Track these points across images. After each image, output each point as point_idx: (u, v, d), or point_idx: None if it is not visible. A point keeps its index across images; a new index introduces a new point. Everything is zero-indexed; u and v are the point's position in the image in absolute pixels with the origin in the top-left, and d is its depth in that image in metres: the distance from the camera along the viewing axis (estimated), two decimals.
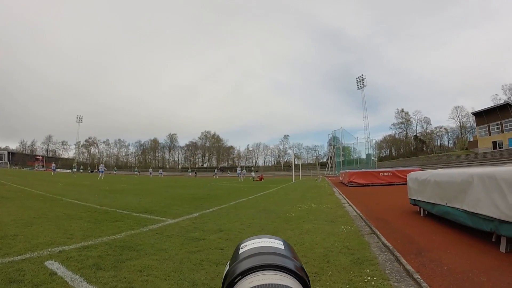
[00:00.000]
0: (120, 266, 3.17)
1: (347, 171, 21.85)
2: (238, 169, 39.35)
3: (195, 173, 62.56)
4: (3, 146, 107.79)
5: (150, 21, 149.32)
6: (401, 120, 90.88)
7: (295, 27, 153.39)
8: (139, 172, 61.19)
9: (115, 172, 62.42)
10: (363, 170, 23.87)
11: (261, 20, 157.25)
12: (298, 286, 0.31)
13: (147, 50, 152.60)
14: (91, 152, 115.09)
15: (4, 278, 2.76)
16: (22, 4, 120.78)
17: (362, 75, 72.68)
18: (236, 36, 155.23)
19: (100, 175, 30.12)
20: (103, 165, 33.34)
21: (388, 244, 4.16)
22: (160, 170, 60.26)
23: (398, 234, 4.91)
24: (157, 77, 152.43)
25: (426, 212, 6.40)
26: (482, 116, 53.83)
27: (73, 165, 41.78)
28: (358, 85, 73.09)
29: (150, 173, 54.54)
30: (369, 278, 2.95)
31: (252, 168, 48.10)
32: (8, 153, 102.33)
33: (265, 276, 0.30)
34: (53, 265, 3.14)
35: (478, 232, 4.41)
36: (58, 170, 76.32)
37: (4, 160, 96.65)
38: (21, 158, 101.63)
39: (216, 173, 49.04)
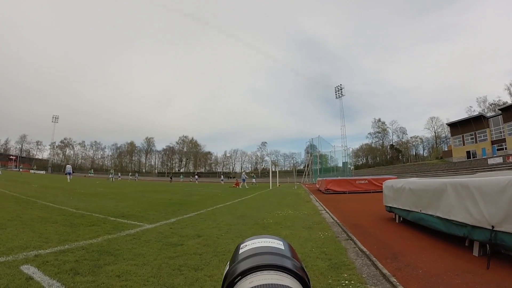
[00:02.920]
0: (98, 271, 3.09)
1: (324, 178, 22.09)
2: (244, 175, 31.83)
3: (171, 178, 55.59)
4: None
5: (128, 23, 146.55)
6: (377, 130, 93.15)
7: (275, 35, 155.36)
8: (136, 175, 56.32)
9: (90, 174, 59.09)
10: (339, 178, 24.21)
11: (241, 26, 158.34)
12: (298, 286, 0.31)
13: (124, 52, 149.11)
14: (66, 153, 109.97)
15: None
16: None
17: (340, 84, 74.69)
18: (215, 42, 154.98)
19: (68, 177, 27.33)
20: (70, 166, 30.03)
21: (364, 249, 4.21)
22: (113, 172, 54.18)
23: (374, 240, 4.97)
24: (134, 80, 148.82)
25: (401, 219, 6.53)
26: (457, 126, 55.90)
27: (111, 171, 36.30)
28: (336, 95, 74.89)
29: (112, 177, 43.68)
30: (346, 282, 2.97)
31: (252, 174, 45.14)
32: None
33: (265, 276, 0.30)
34: (29, 269, 3.02)
35: (452, 237, 4.54)
36: (32, 171, 72.46)
37: None
38: None
39: (194, 179, 46.75)
